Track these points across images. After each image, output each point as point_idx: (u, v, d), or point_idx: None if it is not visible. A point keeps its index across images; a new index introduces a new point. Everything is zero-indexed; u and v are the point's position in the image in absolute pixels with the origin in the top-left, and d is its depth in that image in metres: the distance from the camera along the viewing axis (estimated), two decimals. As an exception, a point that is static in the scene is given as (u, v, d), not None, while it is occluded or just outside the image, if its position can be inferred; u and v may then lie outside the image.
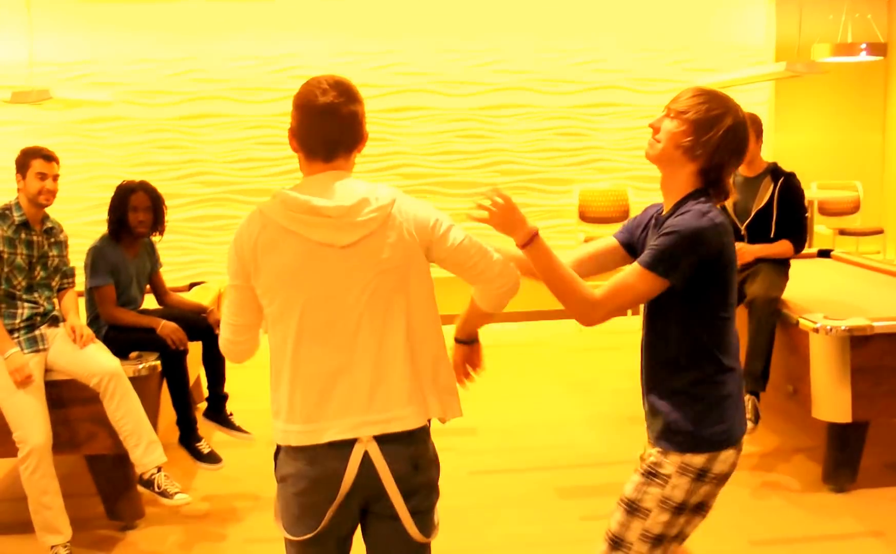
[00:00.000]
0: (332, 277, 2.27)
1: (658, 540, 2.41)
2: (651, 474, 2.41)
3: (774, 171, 4.99)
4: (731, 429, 2.40)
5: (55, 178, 4.13)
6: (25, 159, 4.11)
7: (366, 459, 2.27)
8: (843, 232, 8.57)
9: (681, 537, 2.47)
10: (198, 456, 4.53)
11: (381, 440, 2.28)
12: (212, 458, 4.53)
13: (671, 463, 2.38)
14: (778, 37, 8.51)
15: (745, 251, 4.88)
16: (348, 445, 2.27)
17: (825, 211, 8.72)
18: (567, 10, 8.36)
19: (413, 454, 2.33)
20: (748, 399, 4.67)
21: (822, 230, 8.61)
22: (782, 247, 4.93)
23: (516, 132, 8.43)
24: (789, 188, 4.95)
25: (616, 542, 2.44)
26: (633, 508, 2.42)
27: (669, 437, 2.40)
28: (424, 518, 2.37)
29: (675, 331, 2.41)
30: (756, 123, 4.95)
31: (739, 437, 2.43)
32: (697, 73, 8.40)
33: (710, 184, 2.39)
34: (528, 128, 8.42)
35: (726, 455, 2.39)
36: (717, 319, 2.39)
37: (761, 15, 8.52)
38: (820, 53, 7.55)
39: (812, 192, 8.40)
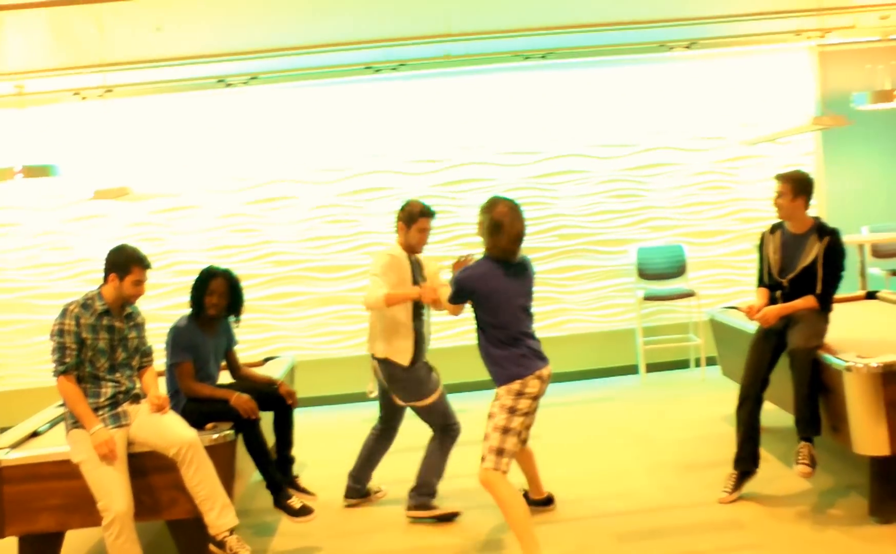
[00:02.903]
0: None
1: (504, 431, 4.30)
2: (495, 398, 4.40)
3: (820, 229, 5.06)
4: (523, 368, 4.34)
5: (144, 282, 4.51)
6: (127, 264, 4.43)
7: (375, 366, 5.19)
8: (896, 273, 8.60)
9: (521, 437, 4.47)
10: (292, 513, 4.82)
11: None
12: (304, 511, 4.83)
13: (502, 390, 4.37)
14: (823, 88, 8.73)
15: (769, 314, 5.03)
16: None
17: (879, 253, 8.74)
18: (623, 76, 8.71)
19: (383, 370, 5.14)
20: (803, 445, 4.74)
21: (875, 273, 8.62)
22: (806, 303, 5.02)
23: (570, 197, 8.67)
24: (831, 247, 5.00)
25: (485, 436, 4.36)
26: (489, 415, 4.38)
27: (495, 378, 4.42)
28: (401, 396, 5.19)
29: (481, 328, 4.44)
30: (799, 183, 5.06)
31: (533, 370, 4.34)
32: (741, 128, 8.66)
33: (491, 251, 4.38)
34: (585, 192, 8.66)
35: (533, 382, 4.33)
36: (491, 326, 4.38)
37: (805, 68, 8.71)
38: (860, 102, 7.72)
39: (863, 236, 8.49)
